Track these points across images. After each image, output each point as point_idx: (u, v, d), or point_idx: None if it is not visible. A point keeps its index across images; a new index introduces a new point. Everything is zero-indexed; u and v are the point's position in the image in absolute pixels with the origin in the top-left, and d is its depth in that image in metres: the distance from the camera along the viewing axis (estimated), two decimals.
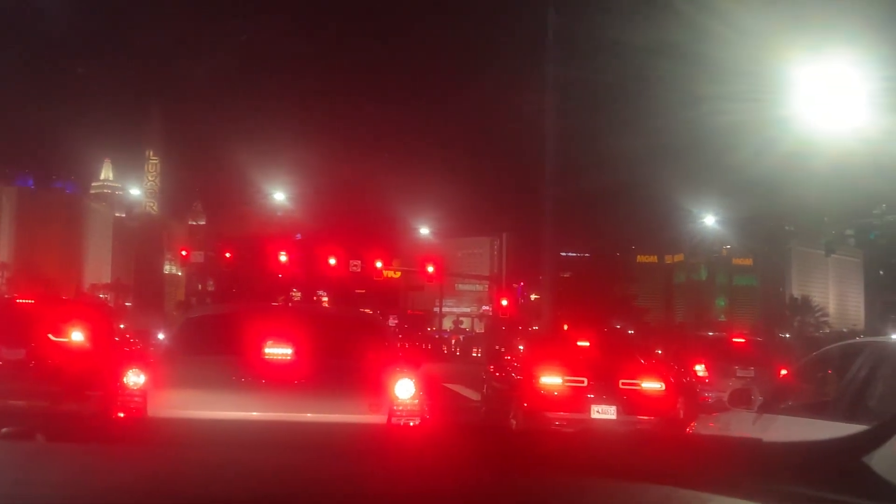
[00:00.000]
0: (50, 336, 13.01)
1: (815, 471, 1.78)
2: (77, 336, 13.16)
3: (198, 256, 49.15)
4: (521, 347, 16.58)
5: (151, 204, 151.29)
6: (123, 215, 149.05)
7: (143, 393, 6.59)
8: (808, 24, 29.93)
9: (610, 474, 1.86)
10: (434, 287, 61.94)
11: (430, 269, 40.74)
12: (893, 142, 28.34)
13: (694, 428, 7.83)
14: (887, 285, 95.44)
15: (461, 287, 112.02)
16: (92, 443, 2.12)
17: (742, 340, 20.86)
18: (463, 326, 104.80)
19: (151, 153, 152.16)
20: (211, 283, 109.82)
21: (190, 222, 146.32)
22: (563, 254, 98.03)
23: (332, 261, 40.23)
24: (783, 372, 11.07)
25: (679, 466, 1.92)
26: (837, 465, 1.76)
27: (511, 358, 16.07)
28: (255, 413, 6.31)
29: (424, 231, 73.47)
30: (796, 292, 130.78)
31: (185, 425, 3.16)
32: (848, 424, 4.63)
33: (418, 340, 59.26)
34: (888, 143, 28.44)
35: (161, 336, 27.24)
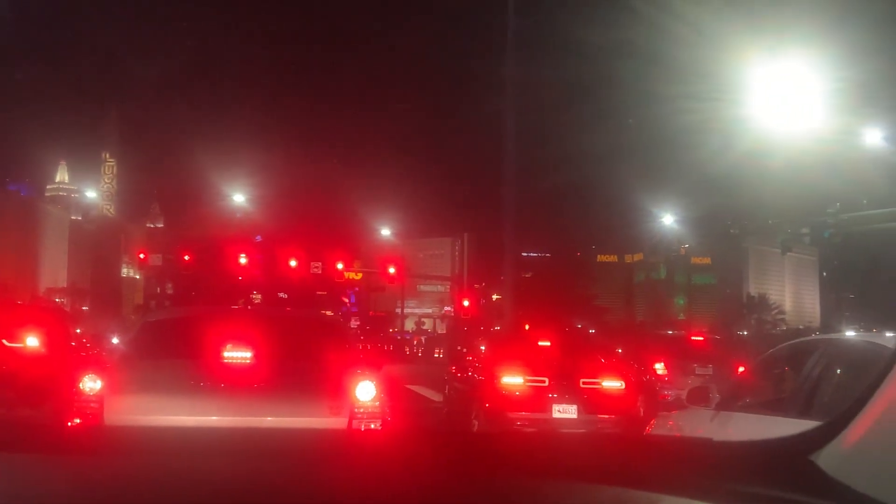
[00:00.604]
0: (4, 341, 12.80)
1: (764, 469, 1.81)
2: (32, 341, 12.96)
3: (156, 259, 48.60)
4: (482, 348, 16.62)
5: (108, 206, 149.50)
6: (80, 218, 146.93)
7: (99, 398, 6.51)
8: (765, 27, 30.45)
9: (562, 475, 1.87)
10: (395, 288, 61.86)
11: (392, 270, 40.69)
12: (846, 142, 28.84)
13: (653, 426, 7.91)
14: (841, 282, 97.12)
15: (423, 288, 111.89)
16: (46, 452, 2.08)
17: (700, 339, 21.13)
18: (425, 327, 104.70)
19: (108, 155, 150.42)
20: (170, 286, 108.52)
21: (148, 225, 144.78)
22: (525, 254, 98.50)
23: (293, 262, 40.03)
24: (740, 369, 11.23)
25: (630, 466, 1.94)
26: (786, 462, 1.78)
27: (473, 358, 16.10)
28: (214, 417, 6.25)
29: (385, 232, 73.44)
30: (753, 290, 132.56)
31: (143, 432, 3.11)
32: (802, 421, 4.72)
33: (380, 342, 59.18)
34: (841, 142, 28.94)
35: (115, 340, 26.87)
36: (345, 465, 2.03)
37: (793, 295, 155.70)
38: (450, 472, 1.94)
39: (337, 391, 6.61)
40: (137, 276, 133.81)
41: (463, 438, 3.19)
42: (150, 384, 6.53)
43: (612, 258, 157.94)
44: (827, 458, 1.68)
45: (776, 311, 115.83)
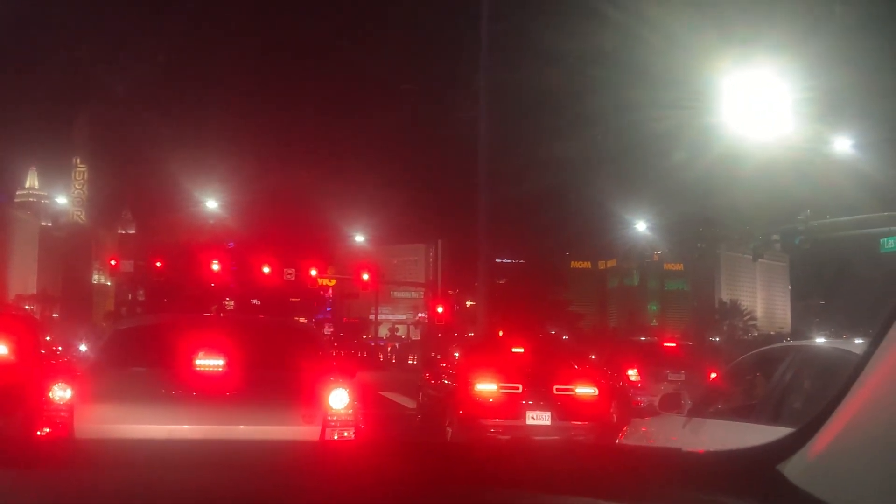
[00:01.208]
0: None
1: (731, 479, 1.82)
2: (0, 349, 12.79)
3: (127, 266, 48.27)
4: (456, 354, 16.60)
5: (79, 213, 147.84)
6: (50, 224, 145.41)
7: (69, 407, 6.43)
8: (736, 35, 30.69)
9: (533, 486, 1.88)
10: (369, 294, 61.80)
11: (365, 276, 40.61)
12: (816, 149, 29.16)
13: (626, 433, 7.94)
14: (811, 289, 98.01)
15: (397, 294, 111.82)
16: (15, 466, 2.06)
17: (673, 345, 21.22)
18: (399, 334, 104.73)
19: (79, 161, 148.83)
20: (141, 293, 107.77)
21: (119, 231, 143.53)
22: (498, 260, 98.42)
23: (266, 269, 39.87)
24: (712, 375, 11.30)
25: (600, 477, 1.95)
26: (753, 473, 1.80)
27: (447, 365, 16.09)
28: (186, 426, 6.21)
29: (359, 238, 73.27)
30: (725, 296, 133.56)
31: (115, 445, 3.08)
32: (773, 427, 4.75)
33: (354, 348, 59.04)
34: (811, 150, 29.26)
35: (83, 348, 26.57)
36: (318, 478, 2.02)
37: (764, 301, 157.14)
38: (422, 484, 1.94)
39: (310, 399, 6.58)
40: (108, 283, 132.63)
41: (435, 449, 3.18)
42: (121, 393, 6.46)
43: (586, 264, 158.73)
44: (794, 468, 1.69)
45: (748, 317, 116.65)
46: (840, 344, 6.27)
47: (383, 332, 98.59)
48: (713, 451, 2.58)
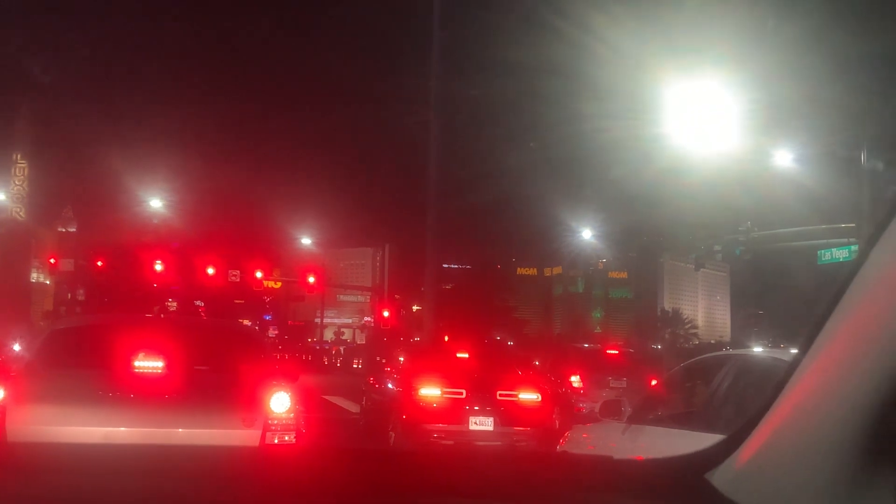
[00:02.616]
0: None
1: (660, 488, 1.85)
2: None
3: (67, 265, 47.38)
4: (401, 359, 16.61)
5: (18, 209, 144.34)
6: None
7: (1, 409, 6.29)
8: (682, 48, 31.11)
9: (470, 494, 1.89)
10: (315, 298, 61.41)
11: (311, 279, 40.33)
12: (758, 162, 29.71)
13: (567, 438, 8.01)
14: (751, 298, 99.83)
15: (343, 298, 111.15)
16: None
17: (616, 352, 21.49)
18: (344, 338, 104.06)
19: (19, 156, 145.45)
20: (81, 292, 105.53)
21: (60, 229, 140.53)
22: (445, 265, 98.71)
23: (211, 270, 39.39)
24: (653, 383, 11.45)
25: (531, 485, 1.97)
26: (681, 481, 1.83)
27: (391, 369, 16.10)
28: (122, 428, 6.11)
29: (306, 241, 72.71)
30: (668, 305, 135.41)
31: (46, 448, 3.02)
32: (708, 434, 4.84)
33: (298, 351, 58.62)
34: (753, 163, 29.80)
35: (17, 347, 26.02)
36: (257, 485, 2.01)
37: (705, 310, 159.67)
38: (363, 491, 1.94)
39: (251, 402, 6.52)
40: (48, 282, 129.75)
41: (377, 456, 3.18)
42: (57, 394, 6.34)
43: (532, 271, 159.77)
44: (722, 476, 1.73)
45: (689, 325, 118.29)
46: (776, 353, 6.41)
47: (329, 335, 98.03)
48: (645, 459, 2.63)
